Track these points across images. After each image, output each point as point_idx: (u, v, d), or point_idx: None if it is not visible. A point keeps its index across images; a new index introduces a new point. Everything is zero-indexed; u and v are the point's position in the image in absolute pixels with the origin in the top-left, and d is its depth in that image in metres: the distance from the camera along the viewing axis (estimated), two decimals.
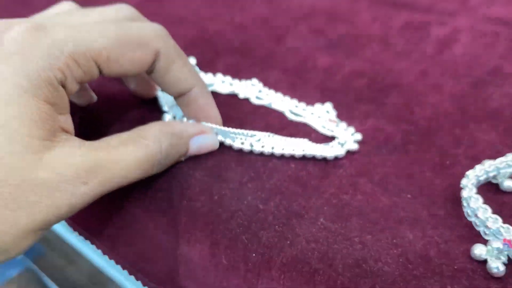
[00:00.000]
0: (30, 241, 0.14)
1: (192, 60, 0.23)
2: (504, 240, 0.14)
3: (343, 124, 0.20)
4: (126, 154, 0.16)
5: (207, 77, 0.22)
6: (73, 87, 0.16)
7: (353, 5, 0.29)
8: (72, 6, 0.19)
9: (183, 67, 0.18)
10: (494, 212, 0.15)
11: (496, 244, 0.14)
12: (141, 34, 0.17)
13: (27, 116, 0.14)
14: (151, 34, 0.17)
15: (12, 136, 0.14)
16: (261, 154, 0.18)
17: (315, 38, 0.25)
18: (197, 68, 0.23)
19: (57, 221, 0.15)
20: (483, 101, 0.21)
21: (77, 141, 0.15)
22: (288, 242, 0.15)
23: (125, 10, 0.18)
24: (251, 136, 0.18)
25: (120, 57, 0.16)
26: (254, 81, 0.22)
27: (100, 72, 0.16)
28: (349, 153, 0.18)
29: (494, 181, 0.17)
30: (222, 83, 0.22)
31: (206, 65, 0.23)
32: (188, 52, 0.24)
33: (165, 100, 0.20)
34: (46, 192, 0.14)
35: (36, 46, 0.15)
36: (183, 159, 0.18)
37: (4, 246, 0.14)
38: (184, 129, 0.18)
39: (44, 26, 0.15)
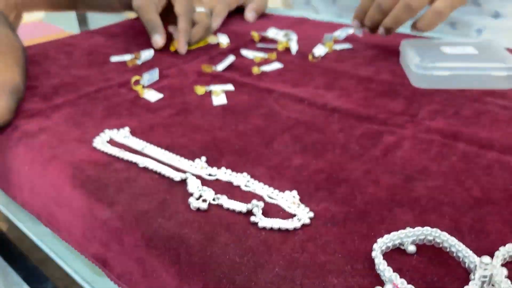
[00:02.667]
0: None
1: (203, 158, 0.33)
2: (393, 283, 0.22)
3: (302, 206, 0.28)
4: None
5: (213, 170, 0.31)
6: None
7: (327, 118, 0.38)
8: None
9: None
10: (397, 268, 0.23)
11: (388, 286, 0.22)
12: None
13: None
14: None
15: None
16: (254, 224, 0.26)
17: (294, 144, 0.35)
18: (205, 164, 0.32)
19: None
20: (409, 191, 0.29)
21: None
22: (253, 283, 0.23)
23: None
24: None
25: None
26: (245, 174, 0.31)
27: None
28: (304, 225, 0.26)
29: (401, 247, 0.25)
30: (224, 174, 0.31)
31: (213, 162, 0.33)
32: (201, 153, 0.33)
33: None
34: None
35: None
36: None
37: None
38: None
39: None
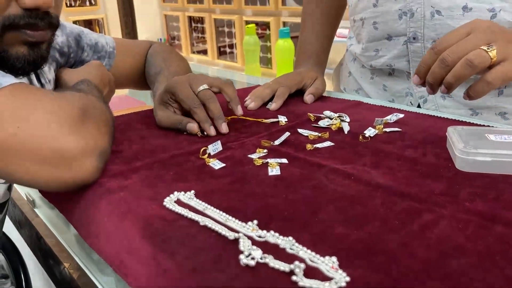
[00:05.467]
0: None
1: (255, 221, 0.37)
2: None
3: (340, 271, 0.31)
4: None
5: (262, 233, 0.36)
6: None
7: (370, 193, 0.42)
8: None
9: None
10: None
11: None
12: None
13: None
14: None
15: None
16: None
17: (338, 215, 0.38)
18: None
19: None
20: (442, 267, 0.31)
21: None
22: None
23: None
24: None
25: None
26: (290, 238, 0.35)
27: None
28: None
29: None
30: (272, 236, 0.35)
31: (264, 226, 0.37)
32: (253, 216, 0.38)
33: None
34: None
35: None
36: None
37: None
38: None
39: None
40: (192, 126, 0.58)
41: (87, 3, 3.52)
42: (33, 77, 0.61)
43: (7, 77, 0.44)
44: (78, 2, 3.46)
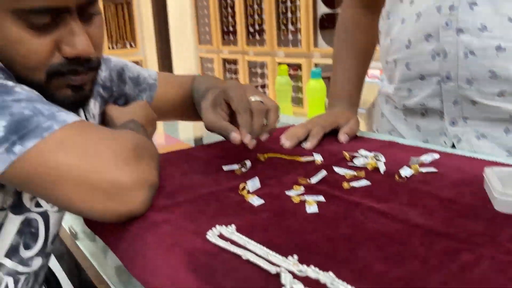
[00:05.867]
0: None
1: (295, 256, 0.38)
2: None
3: None
4: None
5: (303, 267, 0.37)
6: None
7: (409, 231, 0.42)
8: None
9: None
10: None
11: None
12: None
13: None
14: None
15: None
16: None
17: (377, 252, 0.39)
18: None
19: None
20: None
21: None
22: None
23: None
24: None
25: None
26: (331, 273, 0.36)
27: None
28: None
29: None
30: (312, 271, 0.36)
31: (304, 261, 0.38)
32: (293, 251, 0.39)
33: None
34: None
35: None
36: None
37: None
38: None
39: None
40: (235, 137, 0.57)
41: (128, 45, 3.72)
42: (81, 112, 0.66)
43: (71, 114, 0.49)
44: (119, 45, 3.66)
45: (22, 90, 0.49)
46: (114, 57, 0.78)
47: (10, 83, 0.49)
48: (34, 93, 0.50)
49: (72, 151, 0.46)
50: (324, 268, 0.37)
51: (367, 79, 0.94)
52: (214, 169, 0.64)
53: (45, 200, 0.55)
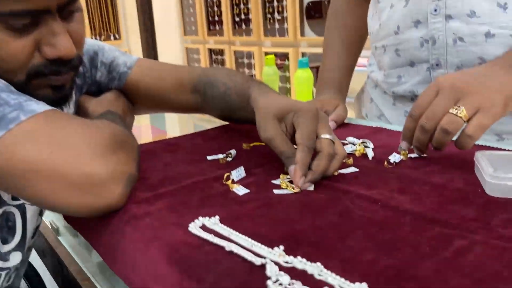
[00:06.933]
0: None
1: (281, 247, 0.37)
2: None
3: None
4: None
5: (289, 258, 0.35)
6: None
7: (399, 219, 0.41)
8: None
9: None
10: None
11: None
12: None
13: None
14: None
15: None
16: None
17: (367, 241, 0.37)
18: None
19: None
20: None
21: None
22: None
23: None
24: None
25: None
26: (318, 264, 0.34)
27: None
28: None
29: None
30: (299, 262, 0.34)
31: (291, 251, 0.36)
32: (279, 242, 0.37)
33: None
34: None
35: None
36: None
37: None
38: None
39: None
40: (293, 171, 0.49)
41: (112, 37, 3.65)
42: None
43: (40, 104, 0.46)
44: (103, 38, 3.59)
45: None
46: (91, 40, 0.73)
47: None
48: (1, 83, 0.47)
49: (41, 142, 0.43)
50: (311, 259, 0.35)
51: (355, 67, 0.93)
52: (198, 159, 0.61)
53: (17, 196, 0.53)
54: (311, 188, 0.49)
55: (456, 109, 0.51)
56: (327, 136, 0.51)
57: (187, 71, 0.74)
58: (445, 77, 0.54)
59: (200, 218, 0.43)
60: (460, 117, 0.50)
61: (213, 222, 0.42)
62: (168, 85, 0.72)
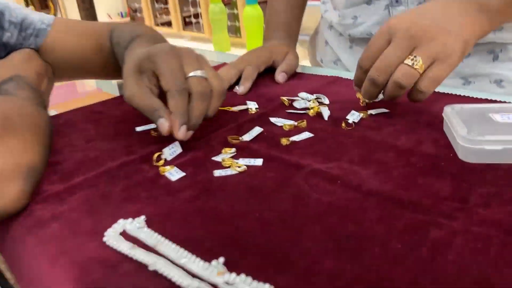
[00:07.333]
0: None
1: (221, 260, 0.29)
2: None
3: None
4: None
5: (231, 277, 0.27)
6: None
7: (363, 204, 0.34)
8: None
9: None
10: None
11: None
12: None
13: None
14: None
15: None
16: None
17: (326, 240, 0.30)
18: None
19: None
20: None
21: None
22: None
23: None
24: None
25: None
26: (267, 286, 0.27)
27: None
28: None
29: None
30: (243, 283, 0.27)
31: (233, 264, 0.29)
32: (219, 250, 0.30)
33: None
34: None
35: None
36: None
37: None
38: None
39: None
40: (163, 125, 0.42)
41: None
42: None
43: None
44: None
45: None
46: None
47: None
48: None
49: None
50: (259, 274, 0.28)
51: (308, 2, 0.82)
52: (125, 132, 0.51)
53: None
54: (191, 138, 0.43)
55: (412, 60, 0.44)
56: (197, 73, 0.43)
57: (103, 28, 0.63)
58: (398, 19, 0.46)
59: (121, 221, 0.34)
60: (416, 68, 0.44)
61: (137, 226, 0.33)
62: (88, 45, 0.62)
